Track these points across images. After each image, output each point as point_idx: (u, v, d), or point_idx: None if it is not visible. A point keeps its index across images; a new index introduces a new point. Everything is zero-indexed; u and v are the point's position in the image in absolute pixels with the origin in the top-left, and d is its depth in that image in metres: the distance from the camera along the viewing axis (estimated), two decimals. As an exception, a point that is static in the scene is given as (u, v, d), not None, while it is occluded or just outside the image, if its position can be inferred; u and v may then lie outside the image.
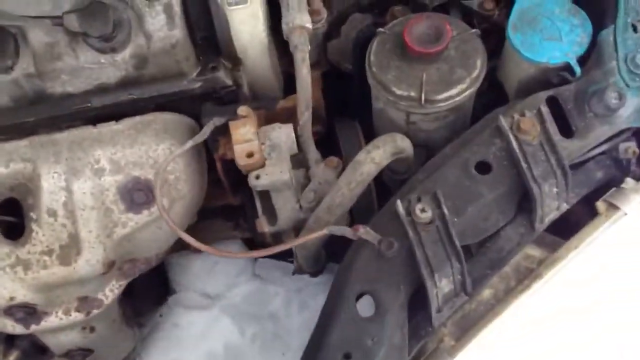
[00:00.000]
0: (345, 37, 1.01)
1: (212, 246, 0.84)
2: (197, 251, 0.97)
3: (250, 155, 0.83)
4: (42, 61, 0.83)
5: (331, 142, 1.00)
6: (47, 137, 0.90)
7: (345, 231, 0.76)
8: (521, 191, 0.76)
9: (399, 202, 0.75)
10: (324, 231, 0.77)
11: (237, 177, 0.94)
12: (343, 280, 0.76)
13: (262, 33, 0.90)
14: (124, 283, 0.98)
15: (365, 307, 0.75)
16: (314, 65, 0.94)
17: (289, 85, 0.99)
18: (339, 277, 0.77)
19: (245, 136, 0.83)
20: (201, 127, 0.91)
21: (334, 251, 0.93)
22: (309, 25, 0.88)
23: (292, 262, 1.01)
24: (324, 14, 0.94)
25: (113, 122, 0.91)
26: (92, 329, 0.98)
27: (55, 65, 0.83)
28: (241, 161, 0.83)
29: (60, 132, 0.90)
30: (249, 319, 1.22)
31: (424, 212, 0.73)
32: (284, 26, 0.88)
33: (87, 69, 0.84)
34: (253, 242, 1.20)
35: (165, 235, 0.98)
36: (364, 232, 0.75)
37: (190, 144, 0.86)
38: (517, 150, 0.75)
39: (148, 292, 1.22)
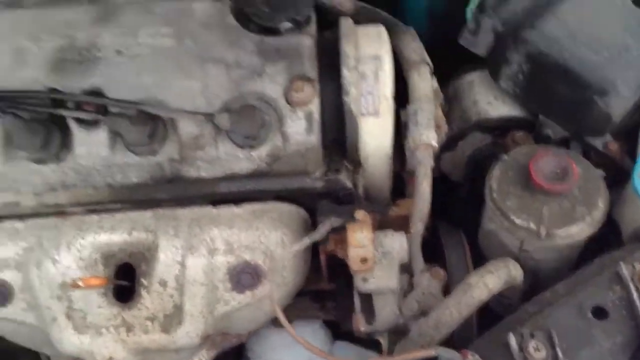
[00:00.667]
0: (462, 152, 1.04)
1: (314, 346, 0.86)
2: (279, 325, 0.99)
3: (364, 260, 0.86)
4: (186, 149, 0.88)
5: (433, 245, 1.02)
6: (170, 211, 0.95)
7: (454, 355, 0.77)
8: (638, 343, 0.76)
9: (511, 335, 0.76)
10: (432, 352, 0.78)
11: (335, 267, 0.97)
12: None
13: (388, 144, 0.94)
14: (213, 355, 1.01)
15: None
16: (426, 173, 0.98)
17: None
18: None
19: (361, 241, 0.86)
20: (314, 221, 0.95)
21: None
22: (435, 143, 0.91)
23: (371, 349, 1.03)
24: (445, 130, 0.98)
25: (233, 206, 0.95)
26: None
27: (196, 154, 0.89)
28: (355, 266, 0.86)
29: (182, 209, 0.96)
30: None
31: (537, 352, 0.74)
32: (410, 141, 0.92)
33: (224, 159, 0.89)
34: (335, 325, 1.21)
35: (262, 316, 1.00)
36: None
37: (307, 241, 0.89)
38: (638, 303, 0.75)
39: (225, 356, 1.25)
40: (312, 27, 0.92)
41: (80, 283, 0.89)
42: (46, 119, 0.86)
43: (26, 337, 1.00)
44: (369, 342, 1.04)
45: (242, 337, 1.04)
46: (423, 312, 0.90)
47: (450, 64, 1.05)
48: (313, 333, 1.22)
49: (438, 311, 0.84)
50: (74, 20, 0.93)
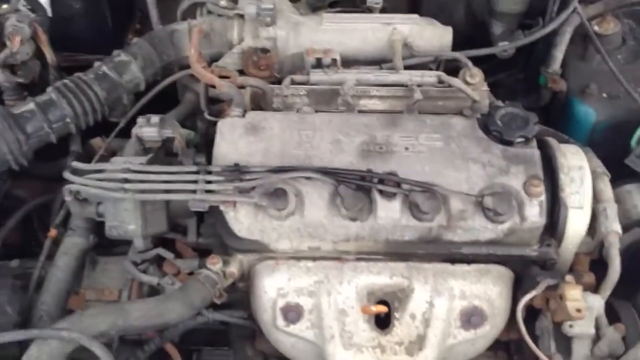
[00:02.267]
0: (622, 242, 1.40)
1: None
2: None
3: (578, 310, 1.20)
4: (453, 219, 1.25)
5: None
6: (418, 264, 1.29)
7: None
8: None
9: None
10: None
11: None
12: None
13: (584, 231, 1.30)
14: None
15: None
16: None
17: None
18: None
19: (576, 296, 1.20)
20: (518, 278, 1.30)
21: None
22: (620, 231, 1.28)
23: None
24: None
25: (465, 265, 1.30)
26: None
27: (459, 224, 1.25)
28: (572, 314, 1.19)
29: (427, 264, 1.30)
30: None
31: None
32: (602, 229, 1.28)
33: (476, 229, 1.25)
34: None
35: (473, 352, 1.33)
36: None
37: (532, 294, 1.24)
38: None
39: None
40: (535, 142, 1.32)
41: (372, 308, 1.23)
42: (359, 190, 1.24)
43: (299, 351, 1.32)
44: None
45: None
46: (610, 356, 1.24)
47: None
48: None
49: (635, 350, 1.17)
50: (370, 123, 1.33)
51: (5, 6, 1.56)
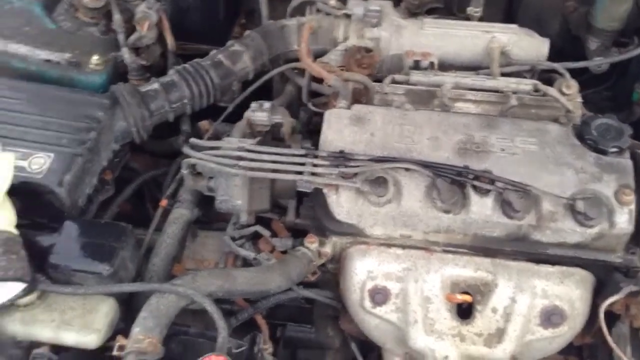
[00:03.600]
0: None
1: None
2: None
3: (660, 317, 1.24)
4: (543, 220, 1.31)
5: None
6: (503, 262, 1.36)
7: None
8: None
9: None
10: None
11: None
12: None
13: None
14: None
15: None
16: None
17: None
18: None
19: (659, 304, 1.25)
20: (598, 284, 1.35)
21: None
22: None
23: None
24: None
25: (549, 265, 1.36)
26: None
27: (549, 225, 1.31)
28: (653, 319, 1.24)
29: (512, 262, 1.36)
30: None
31: None
32: None
33: (565, 231, 1.31)
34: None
35: (549, 351, 1.39)
36: None
37: (610, 299, 1.28)
38: None
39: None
40: (628, 153, 1.36)
41: (457, 296, 1.31)
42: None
43: (382, 332, 1.40)
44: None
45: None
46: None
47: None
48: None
49: None
50: (468, 123, 1.41)
51: (134, -7, 1.72)
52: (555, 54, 1.74)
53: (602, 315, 1.26)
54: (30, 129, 1.41)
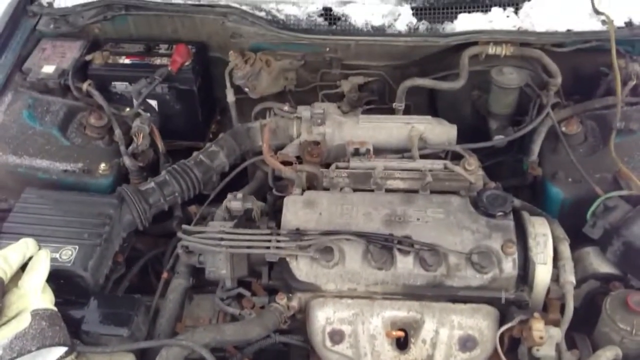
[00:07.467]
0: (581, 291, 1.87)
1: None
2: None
3: (541, 338, 1.67)
4: (451, 270, 1.73)
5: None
6: (428, 303, 1.77)
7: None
8: None
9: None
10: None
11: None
12: None
13: (548, 280, 1.77)
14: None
15: None
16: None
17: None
18: None
19: (540, 328, 1.67)
20: (501, 315, 1.79)
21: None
22: (574, 282, 1.76)
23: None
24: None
25: (462, 304, 1.79)
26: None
27: (456, 273, 1.74)
28: (537, 341, 1.67)
29: (435, 302, 1.79)
30: None
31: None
32: (561, 280, 1.76)
33: (468, 277, 1.74)
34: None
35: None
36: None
37: (505, 327, 1.70)
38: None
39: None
40: (511, 215, 1.82)
41: (394, 333, 1.73)
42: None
43: (339, 365, 1.82)
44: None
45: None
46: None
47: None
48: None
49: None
50: (392, 200, 1.87)
51: (128, 109, 2.18)
52: (470, 130, 2.22)
53: (497, 340, 1.69)
54: (58, 227, 1.82)
